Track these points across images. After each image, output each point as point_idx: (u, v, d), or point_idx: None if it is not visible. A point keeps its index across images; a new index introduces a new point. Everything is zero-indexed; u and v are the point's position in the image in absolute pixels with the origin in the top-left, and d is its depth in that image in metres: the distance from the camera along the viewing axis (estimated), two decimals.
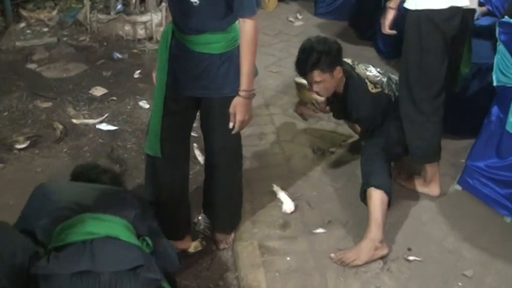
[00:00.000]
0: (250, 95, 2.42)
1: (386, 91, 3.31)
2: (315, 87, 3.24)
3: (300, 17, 6.54)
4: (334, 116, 3.63)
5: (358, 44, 5.65)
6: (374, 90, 3.27)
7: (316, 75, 3.17)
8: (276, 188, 3.42)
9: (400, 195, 3.38)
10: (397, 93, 3.32)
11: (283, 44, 5.70)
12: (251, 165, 3.68)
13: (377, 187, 3.00)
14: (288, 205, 3.29)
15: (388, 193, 3.02)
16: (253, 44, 2.33)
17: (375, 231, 2.92)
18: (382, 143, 3.24)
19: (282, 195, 3.35)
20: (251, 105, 2.47)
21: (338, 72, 3.20)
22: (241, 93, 2.39)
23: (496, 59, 3.19)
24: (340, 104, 3.39)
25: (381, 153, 3.18)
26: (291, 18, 6.47)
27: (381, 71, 3.40)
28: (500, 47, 3.15)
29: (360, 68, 3.34)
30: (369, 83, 3.27)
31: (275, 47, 5.62)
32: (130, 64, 5.18)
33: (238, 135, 2.62)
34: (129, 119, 4.22)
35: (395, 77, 3.46)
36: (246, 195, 3.36)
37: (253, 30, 2.31)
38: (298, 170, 3.66)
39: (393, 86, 3.36)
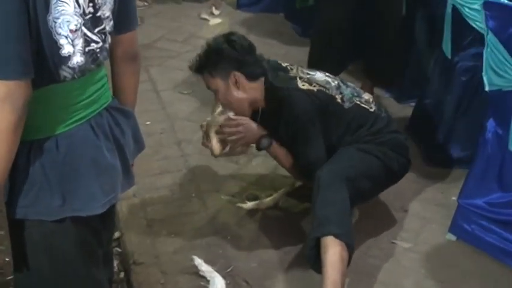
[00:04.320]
0: None
1: (330, 92, 3.44)
2: (217, 98, 3.50)
3: (216, 12, 6.59)
4: None
5: (298, 43, 5.72)
6: (305, 87, 3.41)
7: (206, 79, 3.44)
8: (197, 261, 3.37)
9: (371, 253, 3.42)
10: (354, 101, 3.48)
11: (196, 53, 5.59)
12: (160, 230, 3.63)
13: (338, 236, 3.04)
14: (216, 284, 3.24)
15: (350, 247, 3.08)
16: None
17: None
18: (344, 170, 3.28)
19: (207, 271, 3.31)
20: None
21: (234, 79, 3.38)
22: None
23: (485, 54, 3.27)
24: (270, 123, 3.50)
25: (343, 186, 3.22)
26: (205, 15, 6.51)
27: (330, 76, 3.56)
28: (489, 36, 3.22)
29: (297, 71, 3.52)
30: (299, 81, 3.43)
31: (185, 57, 5.53)
32: None
33: None
34: None
35: (352, 85, 3.63)
36: (155, 274, 3.33)
37: None
38: (227, 232, 3.64)
39: (346, 91, 3.50)
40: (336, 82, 3.51)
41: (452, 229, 3.51)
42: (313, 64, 4.58)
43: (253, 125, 3.48)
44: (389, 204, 3.75)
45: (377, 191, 3.57)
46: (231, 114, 3.44)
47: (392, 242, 3.52)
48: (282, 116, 3.42)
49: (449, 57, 3.99)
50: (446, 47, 4.03)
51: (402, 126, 4.33)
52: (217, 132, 3.46)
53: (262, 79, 3.43)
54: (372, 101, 3.58)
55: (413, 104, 4.62)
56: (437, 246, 3.50)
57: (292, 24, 6.11)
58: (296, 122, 3.38)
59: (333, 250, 3.01)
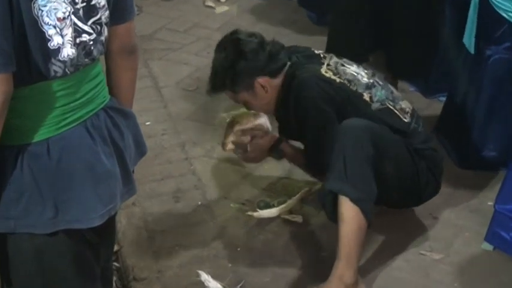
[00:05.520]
0: None
1: (355, 87, 3.42)
2: (249, 108, 3.61)
3: None
4: (280, 131, 3.76)
5: (314, 32, 5.71)
6: (328, 74, 3.42)
7: (230, 96, 3.53)
8: (204, 276, 3.36)
9: (396, 266, 3.41)
10: (386, 105, 3.45)
11: (200, 44, 5.70)
12: (163, 242, 3.63)
13: (355, 201, 3.12)
14: None
15: (368, 218, 3.15)
16: None
17: (344, 267, 3.10)
18: (376, 133, 3.29)
19: (215, 287, 3.28)
20: None
21: (260, 85, 3.43)
22: None
23: None
24: (282, 112, 3.57)
25: (370, 146, 3.22)
26: (210, 3, 6.49)
27: (368, 73, 3.57)
28: None
29: (329, 61, 3.51)
30: (324, 68, 3.44)
31: (188, 49, 5.61)
32: None
33: None
34: None
35: (393, 88, 3.64)
36: None
37: None
38: (238, 243, 3.64)
39: (380, 92, 3.46)
40: (371, 81, 3.49)
41: (489, 237, 3.49)
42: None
43: (266, 144, 3.63)
44: (416, 210, 3.73)
45: (394, 190, 3.45)
46: (259, 121, 3.60)
47: (421, 253, 3.51)
48: (289, 103, 3.46)
49: (473, 52, 3.95)
50: (470, 41, 4.00)
51: (431, 125, 4.32)
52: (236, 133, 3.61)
53: (285, 69, 3.47)
54: (408, 112, 3.51)
55: (441, 98, 4.61)
56: (471, 257, 3.49)
57: (306, 11, 6.08)
58: (299, 109, 3.42)
59: (347, 216, 3.13)
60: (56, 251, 2.16)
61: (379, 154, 3.24)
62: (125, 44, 2.29)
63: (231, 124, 3.66)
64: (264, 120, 3.67)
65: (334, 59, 3.55)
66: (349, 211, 3.12)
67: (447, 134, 4.27)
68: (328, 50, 4.61)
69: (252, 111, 3.65)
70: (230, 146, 3.64)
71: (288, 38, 5.52)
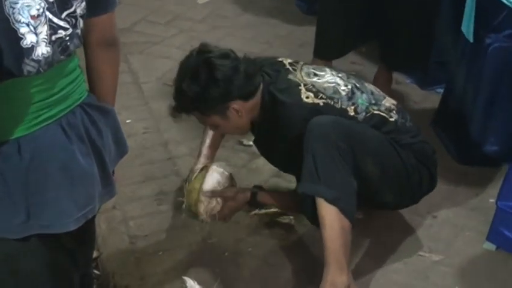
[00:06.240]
0: None
1: (339, 104, 3.36)
2: (211, 128, 3.62)
3: None
4: (260, 151, 3.74)
5: (303, 22, 5.73)
6: (310, 100, 3.35)
7: (199, 118, 3.43)
8: (190, 283, 3.36)
9: (394, 268, 3.41)
10: (371, 111, 3.40)
11: (182, 37, 5.71)
12: (146, 248, 3.63)
13: (332, 201, 3.12)
14: None
15: (349, 217, 3.15)
16: None
17: (335, 273, 3.09)
18: (343, 147, 3.23)
19: None
20: None
21: (235, 109, 3.32)
22: None
23: None
24: (264, 133, 3.52)
25: (342, 158, 3.20)
26: None
27: (343, 77, 3.49)
28: None
29: (301, 73, 3.44)
30: (303, 89, 3.36)
31: (170, 43, 5.61)
32: None
33: None
34: None
35: (371, 87, 3.55)
36: None
37: None
38: (225, 247, 3.63)
39: (361, 99, 3.42)
40: (349, 87, 3.43)
41: (491, 237, 3.50)
42: (320, 46, 4.57)
43: (241, 203, 3.59)
44: (414, 209, 3.72)
45: (385, 188, 3.44)
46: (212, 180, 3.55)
47: (420, 255, 3.52)
48: (277, 135, 3.42)
49: (472, 41, 3.95)
50: (468, 29, 3.98)
51: (429, 118, 4.31)
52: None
53: (260, 89, 3.37)
54: (393, 109, 3.49)
55: (439, 90, 4.61)
56: (473, 258, 3.50)
57: (296, 0, 6.09)
58: (293, 145, 3.35)
59: (327, 218, 3.13)
60: (29, 257, 2.16)
61: (353, 149, 3.22)
62: (106, 36, 2.30)
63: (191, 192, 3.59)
64: (217, 176, 3.58)
65: (305, 68, 3.48)
66: (328, 213, 3.12)
67: (445, 127, 4.28)
68: (317, 40, 4.63)
69: (198, 167, 3.64)
70: (207, 218, 3.56)
71: (276, 28, 5.54)
